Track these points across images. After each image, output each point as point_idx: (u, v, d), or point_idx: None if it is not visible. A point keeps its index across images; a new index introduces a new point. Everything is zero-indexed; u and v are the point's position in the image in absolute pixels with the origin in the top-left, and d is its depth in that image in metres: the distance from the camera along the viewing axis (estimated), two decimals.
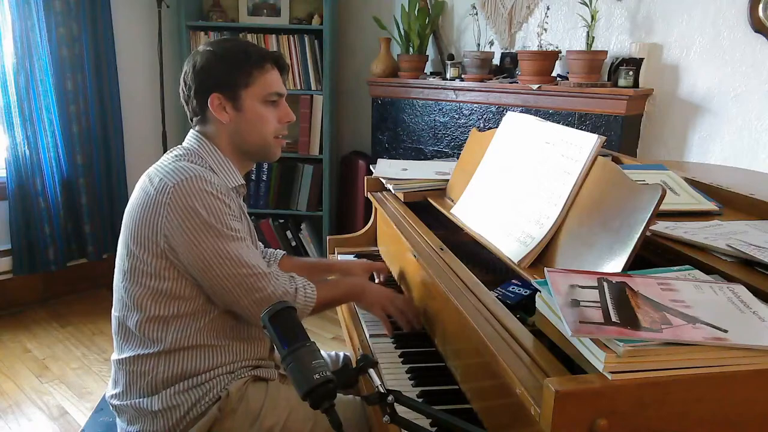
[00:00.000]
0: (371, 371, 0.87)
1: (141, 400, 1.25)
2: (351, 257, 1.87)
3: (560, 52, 2.77)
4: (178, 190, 1.19)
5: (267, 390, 1.29)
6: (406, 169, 1.88)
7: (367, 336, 1.43)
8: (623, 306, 0.81)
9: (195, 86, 1.30)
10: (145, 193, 1.23)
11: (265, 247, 1.66)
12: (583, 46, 2.61)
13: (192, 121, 1.36)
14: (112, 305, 1.33)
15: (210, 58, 1.29)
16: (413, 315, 1.41)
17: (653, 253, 1.12)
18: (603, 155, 1.16)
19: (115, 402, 1.30)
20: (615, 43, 2.72)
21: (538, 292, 0.91)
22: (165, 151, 3.41)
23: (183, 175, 1.20)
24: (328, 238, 2.00)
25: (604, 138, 1.16)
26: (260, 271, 1.24)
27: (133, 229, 1.24)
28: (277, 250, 1.69)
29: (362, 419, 1.29)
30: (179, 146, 1.34)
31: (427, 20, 3.16)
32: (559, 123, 1.37)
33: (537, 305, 0.91)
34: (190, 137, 1.34)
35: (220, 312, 1.28)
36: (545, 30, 2.79)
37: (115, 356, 1.33)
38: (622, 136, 2.52)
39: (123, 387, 1.28)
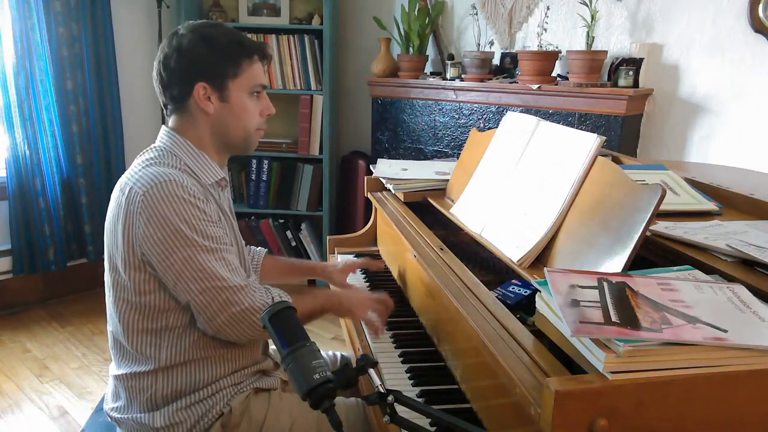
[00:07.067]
0: (371, 371, 0.87)
1: (142, 415, 1.23)
2: (351, 257, 1.87)
3: (560, 52, 2.77)
4: (149, 197, 1.13)
5: (269, 401, 1.28)
6: (406, 169, 1.88)
7: (367, 336, 1.43)
8: (623, 306, 0.81)
9: (179, 72, 1.22)
10: (118, 204, 1.19)
11: (253, 246, 1.63)
12: (583, 46, 2.61)
13: (166, 109, 1.29)
14: None
15: (198, 44, 1.22)
16: (388, 309, 1.40)
17: (653, 253, 1.12)
18: (603, 155, 1.16)
19: (116, 414, 1.28)
20: (615, 43, 2.72)
21: (538, 292, 0.91)
22: None
23: (153, 181, 1.15)
24: (328, 238, 2.00)
25: (604, 138, 1.16)
26: (235, 283, 1.18)
27: (111, 244, 1.21)
28: (260, 248, 1.64)
29: (363, 422, 1.28)
30: (151, 147, 1.28)
31: (427, 20, 3.16)
32: (559, 123, 1.37)
33: (537, 305, 0.91)
34: (162, 135, 1.27)
35: None
36: (545, 30, 2.79)
37: (113, 371, 1.29)
38: (622, 136, 2.52)
39: (124, 401, 1.26)
